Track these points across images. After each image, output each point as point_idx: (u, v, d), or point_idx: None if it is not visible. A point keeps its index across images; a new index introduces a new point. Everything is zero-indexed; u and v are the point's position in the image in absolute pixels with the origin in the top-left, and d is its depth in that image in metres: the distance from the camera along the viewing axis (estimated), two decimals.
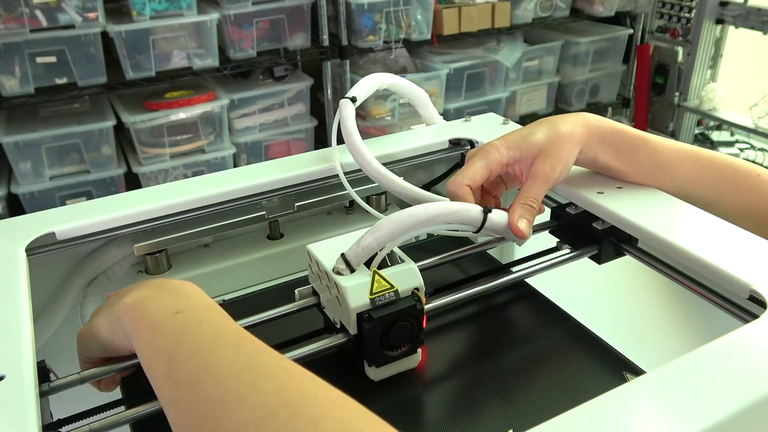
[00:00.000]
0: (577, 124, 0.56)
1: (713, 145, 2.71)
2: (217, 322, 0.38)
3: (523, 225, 0.52)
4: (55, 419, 0.42)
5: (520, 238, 0.52)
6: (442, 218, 0.48)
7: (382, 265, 0.47)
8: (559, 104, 2.67)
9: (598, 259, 0.59)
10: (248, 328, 0.50)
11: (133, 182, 1.88)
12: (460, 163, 0.78)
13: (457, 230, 0.51)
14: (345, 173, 0.66)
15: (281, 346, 0.49)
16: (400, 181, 0.60)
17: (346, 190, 0.64)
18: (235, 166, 1.99)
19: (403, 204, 0.63)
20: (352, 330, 0.46)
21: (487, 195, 0.59)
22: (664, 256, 0.53)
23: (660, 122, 2.80)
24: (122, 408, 0.43)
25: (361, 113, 2.15)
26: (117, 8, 1.81)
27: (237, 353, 0.35)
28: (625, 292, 0.76)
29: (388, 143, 0.72)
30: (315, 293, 0.52)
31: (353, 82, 2.04)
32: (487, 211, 0.50)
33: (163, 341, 0.38)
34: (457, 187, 0.53)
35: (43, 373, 0.43)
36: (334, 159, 0.66)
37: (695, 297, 0.51)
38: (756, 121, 2.50)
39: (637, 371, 0.49)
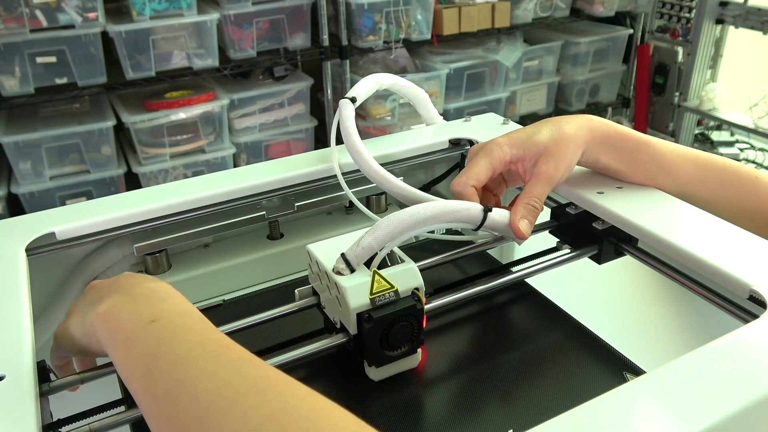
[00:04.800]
0: (581, 126, 0.56)
1: (713, 145, 2.71)
2: (194, 330, 0.36)
3: (524, 225, 0.52)
4: (55, 419, 0.42)
5: (521, 239, 0.52)
6: (442, 217, 0.48)
7: (382, 265, 0.47)
8: (559, 104, 2.67)
9: (598, 259, 0.59)
10: (248, 328, 0.50)
11: (133, 182, 1.88)
12: (460, 163, 0.78)
13: (459, 231, 0.51)
14: (345, 173, 0.66)
15: (281, 346, 0.49)
16: (398, 182, 0.60)
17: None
18: (235, 166, 1.99)
19: (403, 205, 0.63)
20: (352, 330, 0.46)
21: (488, 192, 0.59)
22: (664, 256, 0.53)
23: (660, 122, 2.80)
24: (122, 408, 0.43)
25: (361, 113, 2.15)
26: (117, 8, 1.81)
27: (217, 365, 0.33)
28: (625, 292, 0.76)
29: (387, 143, 0.72)
30: (315, 293, 0.52)
31: (353, 82, 2.04)
32: (487, 210, 0.50)
33: (140, 354, 0.36)
34: (462, 187, 0.54)
35: (43, 373, 0.43)
36: (333, 159, 0.66)
37: (695, 297, 0.51)
38: (756, 121, 2.50)
39: (637, 371, 0.49)
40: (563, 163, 0.54)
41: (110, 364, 0.46)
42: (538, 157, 0.54)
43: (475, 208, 0.50)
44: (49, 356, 0.47)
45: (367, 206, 0.66)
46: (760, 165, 2.59)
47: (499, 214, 0.51)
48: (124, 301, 0.39)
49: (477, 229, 0.51)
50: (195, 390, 0.32)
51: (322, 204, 0.69)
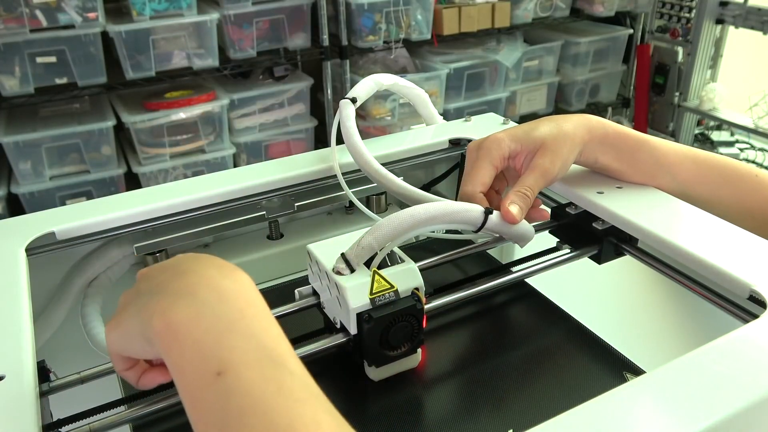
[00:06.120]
0: (579, 125, 0.56)
1: (713, 145, 2.71)
2: (266, 395, 0.31)
3: (514, 210, 0.52)
4: (55, 419, 0.42)
5: (510, 223, 0.52)
6: (443, 218, 0.48)
7: (382, 265, 0.47)
8: (559, 104, 2.67)
9: (598, 259, 0.59)
10: None
11: (133, 182, 1.88)
12: (460, 163, 0.78)
13: (459, 231, 0.51)
14: (345, 173, 0.66)
15: None
16: (399, 182, 0.60)
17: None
18: (235, 166, 1.99)
19: (403, 204, 0.63)
20: (352, 330, 0.46)
21: (490, 190, 0.59)
22: (664, 256, 0.53)
23: (660, 122, 2.80)
24: (122, 408, 0.43)
25: (361, 113, 2.15)
26: (117, 8, 1.81)
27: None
28: (625, 292, 0.76)
29: (388, 143, 0.72)
30: (315, 293, 0.52)
31: (353, 82, 2.04)
32: (488, 212, 0.50)
33: (205, 421, 0.32)
34: (471, 196, 0.54)
35: (43, 373, 0.43)
36: (333, 160, 0.66)
37: (695, 297, 0.51)
38: (756, 121, 2.50)
39: (637, 371, 0.49)
40: (559, 159, 0.54)
41: (109, 362, 0.46)
42: (535, 151, 0.55)
43: (475, 210, 0.50)
44: (112, 361, 0.40)
45: (367, 206, 0.66)
46: (760, 165, 2.59)
47: (499, 216, 0.51)
48: (188, 316, 0.34)
49: (477, 231, 0.51)
50: None
51: (322, 204, 0.69)
